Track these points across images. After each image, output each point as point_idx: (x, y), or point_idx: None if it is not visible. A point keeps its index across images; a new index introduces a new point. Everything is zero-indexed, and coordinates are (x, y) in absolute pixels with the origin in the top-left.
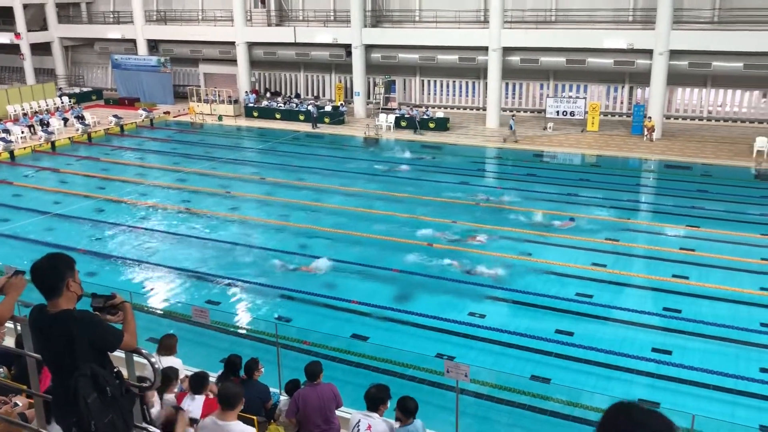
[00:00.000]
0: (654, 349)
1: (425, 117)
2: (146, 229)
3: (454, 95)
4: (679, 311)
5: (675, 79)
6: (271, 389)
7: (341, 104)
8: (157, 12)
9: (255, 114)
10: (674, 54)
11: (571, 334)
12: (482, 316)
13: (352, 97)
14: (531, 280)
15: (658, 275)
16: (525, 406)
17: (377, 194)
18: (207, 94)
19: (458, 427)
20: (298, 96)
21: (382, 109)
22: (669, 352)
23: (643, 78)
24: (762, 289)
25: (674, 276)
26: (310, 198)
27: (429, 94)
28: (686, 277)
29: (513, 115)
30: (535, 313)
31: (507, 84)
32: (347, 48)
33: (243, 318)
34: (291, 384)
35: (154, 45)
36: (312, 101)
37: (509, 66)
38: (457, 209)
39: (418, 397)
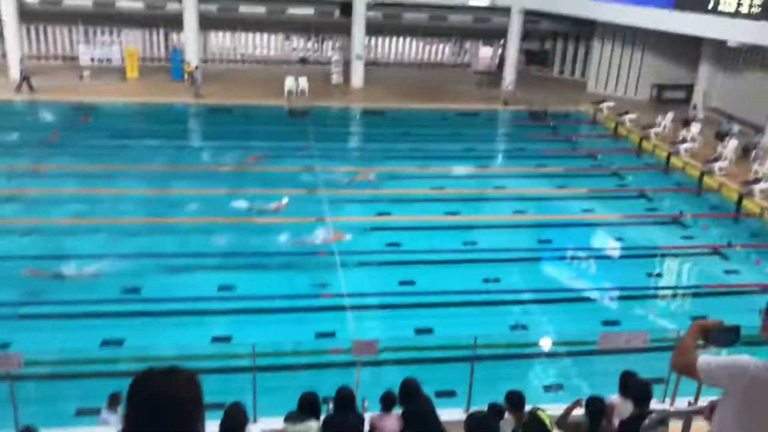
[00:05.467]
0: (220, 287)
1: None
2: None
3: None
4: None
5: (208, 23)
6: None
7: None
8: None
9: None
10: None
11: (138, 290)
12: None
13: None
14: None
15: (213, 216)
16: (99, 373)
17: None
18: None
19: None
20: None
21: None
22: (232, 288)
23: (177, 23)
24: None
25: (229, 215)
26: None
27: None
28: (250, 210)
29: (196, 66)
30: (97, 279)
31: (28, 28)
32: None
33: None
34: None
35: None
36: None
37: (28, 8)
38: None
39: None
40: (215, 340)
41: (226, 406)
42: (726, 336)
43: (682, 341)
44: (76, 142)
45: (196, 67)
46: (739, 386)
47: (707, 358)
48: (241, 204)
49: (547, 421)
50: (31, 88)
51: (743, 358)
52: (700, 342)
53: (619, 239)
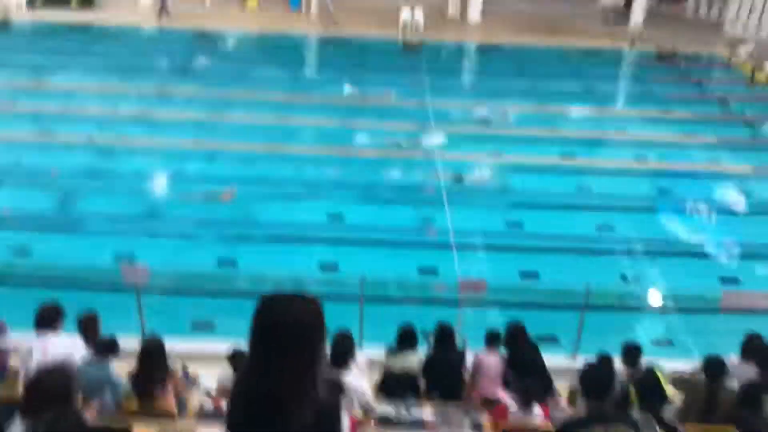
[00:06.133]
0: (329, 216)
1: None
2: None
3: None
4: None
5: None
6: None
7: None
8: None
9: None
10: None
11: (252, 214)
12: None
13: None
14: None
15: (326, 146)
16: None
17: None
18: None
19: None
20: None
21: None
22: (341, 217)
23: None
24: None
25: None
26: None
27: None
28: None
29: None
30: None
31: None
32: None
33: None
34: None
35: None
36: None
37: None
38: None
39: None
40: (322, 267)
41: (334, 332)
42: None
43: None
44: (199, 69)
45: None
46: None
47: None
48: (363, 138)
49: (662, 379)
50: (167, 13)
51: None
52: None
53: (747, 193)
